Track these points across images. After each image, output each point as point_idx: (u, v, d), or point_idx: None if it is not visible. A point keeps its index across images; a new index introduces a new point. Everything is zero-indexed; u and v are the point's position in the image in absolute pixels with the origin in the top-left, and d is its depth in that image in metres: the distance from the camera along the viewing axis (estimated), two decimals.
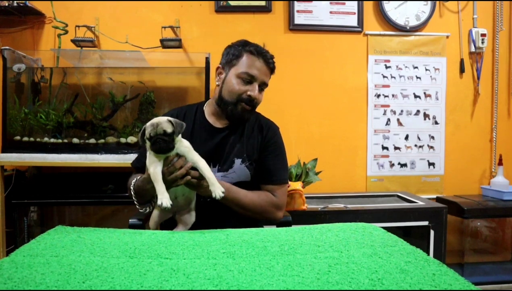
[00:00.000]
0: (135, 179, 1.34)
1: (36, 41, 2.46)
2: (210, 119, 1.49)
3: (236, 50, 1.43)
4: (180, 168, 1.19)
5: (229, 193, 1.32)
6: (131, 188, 1.33)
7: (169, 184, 1.20)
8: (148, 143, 1.21)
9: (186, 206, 1.33)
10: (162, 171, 1.20)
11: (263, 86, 1.44)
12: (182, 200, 1.30)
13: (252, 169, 1.44)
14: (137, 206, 1.36)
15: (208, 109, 1.51)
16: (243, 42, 1.45)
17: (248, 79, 1.39)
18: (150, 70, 2.47)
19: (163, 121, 1.20)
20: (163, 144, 1.18)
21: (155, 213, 1.34)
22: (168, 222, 1.40)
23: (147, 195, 1.31)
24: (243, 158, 1.43)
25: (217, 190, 1.19)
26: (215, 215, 1.39)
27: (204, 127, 1.47)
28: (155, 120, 1.21)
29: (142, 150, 1.50)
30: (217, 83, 1.47)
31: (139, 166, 1.44)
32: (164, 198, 1.15)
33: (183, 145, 1.24)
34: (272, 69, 1.46)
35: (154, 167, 1.19)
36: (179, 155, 1.22)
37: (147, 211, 1.37)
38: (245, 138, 1.46)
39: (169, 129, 1.19)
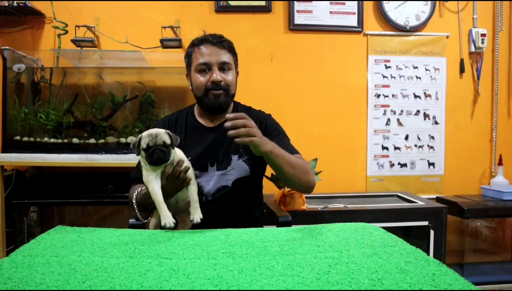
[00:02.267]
0: (136, 192, 1.36)
1: (36, 41, 2.46)
2: (201, 120, 1.51)
3: (188, 51, 1.48)
4: (179, 174, 1.22)
5: (274, 148, 1.27)
6: (134, 201, 1.35)
7: (174, 193, 1.24)
8: (143, 155, 1.21)
9: (187, 208, 1.34)
10: (162, 186, 1.21)
11: (223, 65, 1.41)
12: (183, 204, 1.33)
13: (250, 163, 1.45)
14: (140, 217, 1.38)
15: (197, 111, 1.54)
16: (191, 42, 1.47)
17: (204, 68, 1.41)
18: (150, 70, 2.47)
19: (161, 133, 1.20)
20: (161, 155, 1.18)
21: (154, 216, 1.36)
22: None
23: (150, 207, 1.34)
24: (239, 153, 1.44)
25: (196, 215, 1.23)
26: (215, 215, 1.39)
27: (196, 129, 1.49)
28: (152, 131, 1.21)
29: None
30: (190, 88, 1.50)
31: (139, 176, 1.45)
32: (166, 218, 1.17)
33: (177, 155, 1.26)
34: (224, 46, 1.42)
35: (153, 185, 1.20)
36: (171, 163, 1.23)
37: (149, 220, 1.40)
38: None
39: (168, 140, 1.20)
